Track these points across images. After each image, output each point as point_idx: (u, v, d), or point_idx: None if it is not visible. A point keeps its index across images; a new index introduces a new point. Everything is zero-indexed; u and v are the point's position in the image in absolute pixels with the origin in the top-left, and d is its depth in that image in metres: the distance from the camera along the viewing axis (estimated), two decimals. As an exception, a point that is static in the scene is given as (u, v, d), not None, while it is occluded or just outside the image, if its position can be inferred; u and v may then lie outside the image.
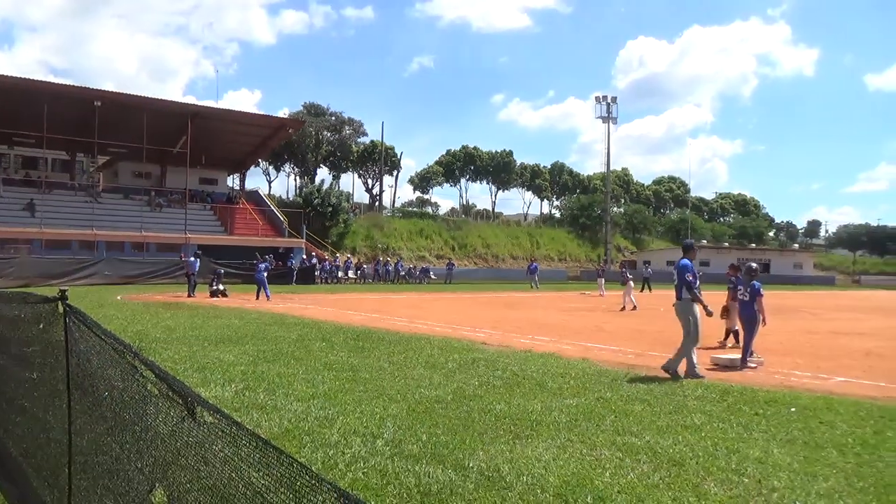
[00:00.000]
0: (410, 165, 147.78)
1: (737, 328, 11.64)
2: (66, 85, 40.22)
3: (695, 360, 8.61)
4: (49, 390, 2.87)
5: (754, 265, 10.38)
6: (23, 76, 36.64)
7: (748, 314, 9.89)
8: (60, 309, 2.60)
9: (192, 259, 25.43)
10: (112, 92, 39.74)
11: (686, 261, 9.08)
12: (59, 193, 39.13)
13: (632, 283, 22.81)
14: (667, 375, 8.46)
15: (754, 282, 9.93)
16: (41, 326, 2.94)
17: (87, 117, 36.20)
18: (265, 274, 23.34)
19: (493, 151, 79.71)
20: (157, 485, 1.81)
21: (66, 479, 2.49)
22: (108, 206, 39.19)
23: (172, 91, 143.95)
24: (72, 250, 33.72)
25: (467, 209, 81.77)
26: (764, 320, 9.87)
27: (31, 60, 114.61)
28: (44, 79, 55.63)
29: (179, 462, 1.67)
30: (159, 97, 42.94)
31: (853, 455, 5.13)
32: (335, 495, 1.23)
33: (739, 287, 10.28)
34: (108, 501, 2.08)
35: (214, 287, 23.98)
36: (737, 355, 9.83)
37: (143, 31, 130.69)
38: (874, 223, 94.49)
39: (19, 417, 3.46)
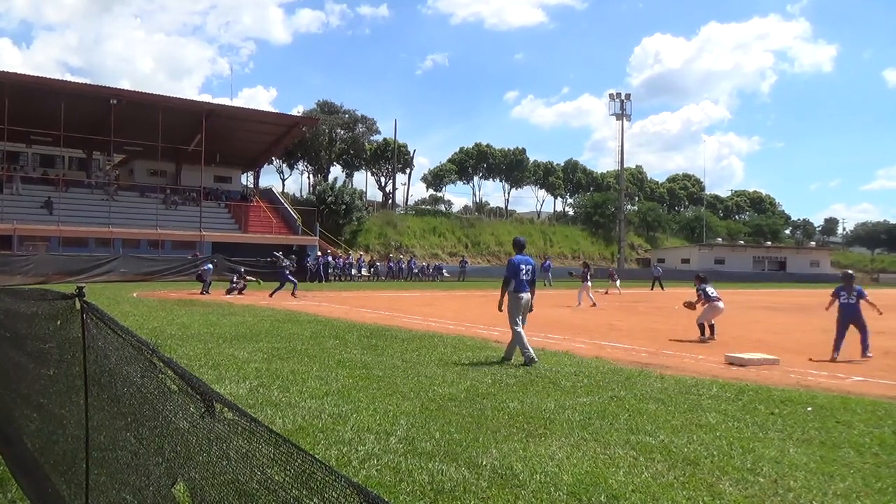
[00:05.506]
0: (423, 163, 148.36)
1: (702, 322, 12.98)
2: (82, 84, 40.74)
3: None
4: (66, 386, 2.89)
5: (850, 271, 11.61)
6: (40, 75, 37.11)
7: (854, 315, 10.75)
8: (77, 306, 2.61)
9: (208, 267, 25.80)
10: (128, 90, 40.18)
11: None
12: (76, 191, 39.55)
13: (590, 282, 23.48)
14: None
15: (857, 286, 10.93)
16: (58, 323, 2.96)
17: (104, 116, 36.61)
18: (287, 273, 23.58)
19: (506, 149, 79.46)
20: (178, 479, 1.82)
21: (84, 473, 2.52)
22: (125, 204, 39.57)
23: (188, 89, 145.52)
24: (89, 247, 34.11)
25: (480, 207, 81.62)
26: (879, 311, 11.10)
27: (48, 59, 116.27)
28: (61, 78, 56.23)
29: (199, 458, 1.69)
30: (175, 95, 43.22)
31: (871, 455, 5.07)
32: (351, 490, 1.23)
33: (842, 292, 10.92)
34: (127, 495, 2.10)
35: (233, 285, 24.26)
36: (754, 355, 9.95)
37: (160, 30, 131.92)
38: (893, 220, 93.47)
39: (35, 413, 3.49)
